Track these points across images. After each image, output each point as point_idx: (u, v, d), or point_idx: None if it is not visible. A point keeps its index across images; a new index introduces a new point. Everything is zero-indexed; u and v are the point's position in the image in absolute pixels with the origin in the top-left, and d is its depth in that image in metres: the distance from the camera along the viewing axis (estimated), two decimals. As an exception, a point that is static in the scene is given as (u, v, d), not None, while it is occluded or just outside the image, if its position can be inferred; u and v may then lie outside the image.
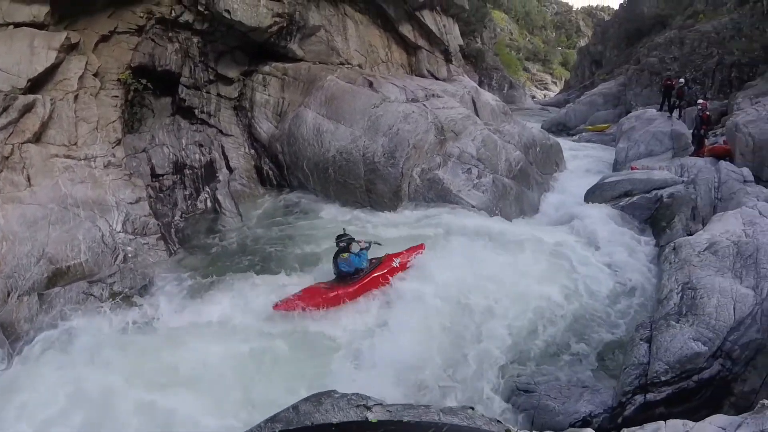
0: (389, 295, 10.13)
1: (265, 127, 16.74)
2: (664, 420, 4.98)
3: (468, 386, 8.02)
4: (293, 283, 10.45)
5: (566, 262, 11.91)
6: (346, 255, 10.04)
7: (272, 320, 9.36)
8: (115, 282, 10.28)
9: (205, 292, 10.39)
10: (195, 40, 15.80)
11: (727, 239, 8.26)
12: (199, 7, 15.09)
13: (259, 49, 17.01)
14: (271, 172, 16.80)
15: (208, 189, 15.07)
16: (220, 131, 16.51)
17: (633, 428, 4.75)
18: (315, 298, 9.60)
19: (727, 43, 33.63)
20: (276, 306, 9.39)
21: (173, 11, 15.33)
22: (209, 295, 10.21)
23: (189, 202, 14.55)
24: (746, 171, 15.89)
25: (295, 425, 5.00)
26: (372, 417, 5.20)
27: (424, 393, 7.77)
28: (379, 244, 11.23)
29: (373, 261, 10.61)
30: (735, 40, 33.28)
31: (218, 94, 16.64)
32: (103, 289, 10.02)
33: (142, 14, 15.03)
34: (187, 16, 15.37)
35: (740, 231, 8.53)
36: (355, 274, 10.12)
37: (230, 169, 15.98)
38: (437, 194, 14.55)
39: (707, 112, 19.78)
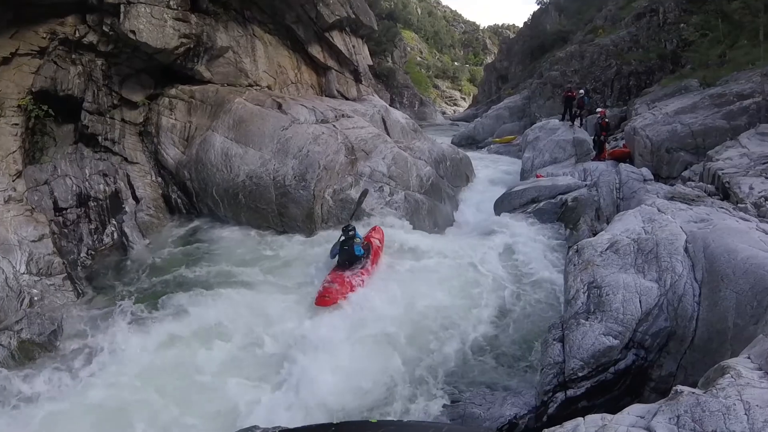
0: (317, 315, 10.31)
1: (171, 153, 16.18)
2: (588, 413, 5.26)
3: (397, 401, 8.20)
4: (207, 317, 10.25)
5: (480, 271, 12.43)
6: (358, 240, 11.53)
7: (194, 352, 9.24)
8: (22, 329, 9.62)
9: (114, 335, 9.91)
10: (99, 62, 15.11)
11: (627, 237, 8.64)
12: (104, 28, 14.55)
13: (165, 71, 16.56)
14: (179, 201, 16.28)
15: (114, 222, 14.48)
16: (125, 159, 15.80)
17: (553, 428, 4.87)
18: (345, 284, 10.74)
19: (625, 54, 35.97)
20: (319, 302, 10.21)
21: (77, 31, 14.57)
22: (119, 337, 9.81)
23: (95, 236, 13.93)
24: (645, 171, 17.26)
25: None
26: None
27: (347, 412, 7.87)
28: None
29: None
30: (632, 51, 35.72)
31: (123, 120, 15.95)
32: (10, 338, 9.39)
33: (45, 35, 14.13)
34: (92, 37, 14.69)
35: (639, 228, 8.93)
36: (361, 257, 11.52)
37: (137, 199, 15.32)
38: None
39: (606, 119, 21.11)
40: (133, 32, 14.40)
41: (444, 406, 7.88)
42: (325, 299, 10.29)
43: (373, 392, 8.34)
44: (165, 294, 11.32)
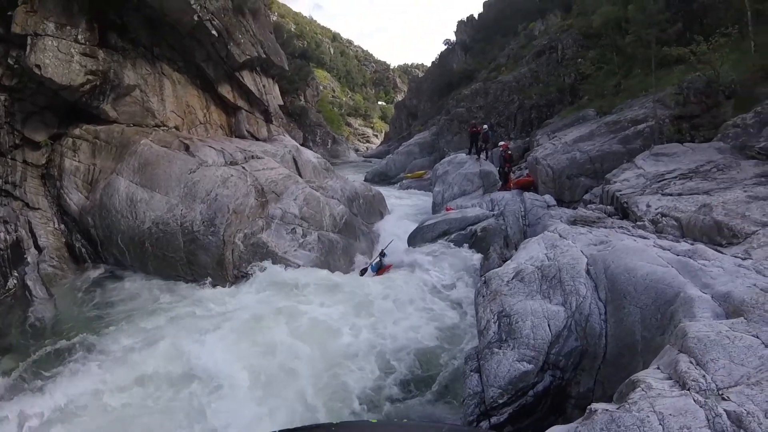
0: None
1: (75, 198, 15.36)
2: None
3: None
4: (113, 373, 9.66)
5: (398, 306, 12.41)
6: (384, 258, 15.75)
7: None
8: None
9: (21, 402, 9.22)
10: (1, 98, 14.30)
11: (531, 265, 8.82)
12: (9, 60, 13.95)
13: (70, 109, 15.89)
14: (84, 249, 15.38)
15: (16, 273, 13.43)
16: (27, 204, 14.89)
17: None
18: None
19: (527, 89, 38.06)
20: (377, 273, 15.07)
21: None
22: (29, 401, 9.14)
23: None
24: (548, 197, 18.10)
25: None
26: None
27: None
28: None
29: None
30: (533, 86, 37.82)
31: (24, 161, 15.09)
32: None
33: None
34: None
35: (543, 255, 9.15)
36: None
37: (39, 249, 14.35)
38: (263, 259, 14.13)
39: (509, 151, 21.94)
40: (39, 66, 13.86)
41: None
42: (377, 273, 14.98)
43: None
44: (68, 357, 10.68)
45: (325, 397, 8.93)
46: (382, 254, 16.08)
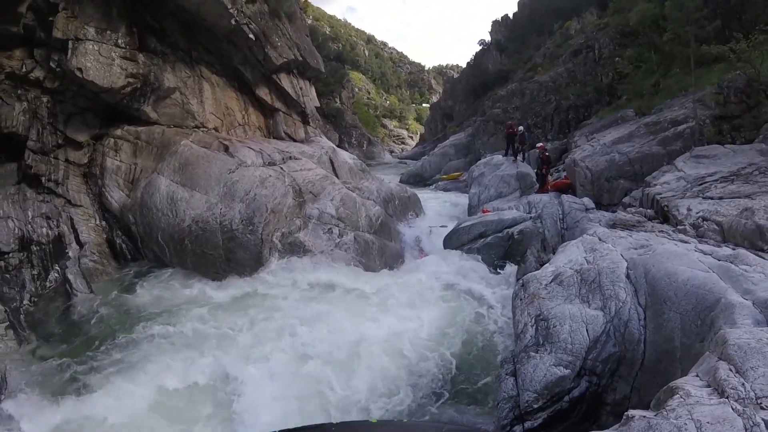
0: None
1: (116, 196, 15.70)
2: None
3: None
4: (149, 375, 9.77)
5: (432, 308, 12.47)
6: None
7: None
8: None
9: (62, 387, 9.51)
10: (44, 99, 14.66)
11: (570, 269, 8.82)
12: (51, 64, 14.28)
13: (111, 111, 16.20)
14: (124, 246, 15.72)
15: (57, 267, 13.80)
16: (69, 201, 15.23)
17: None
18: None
19: (563, 89, 37.47)
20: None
21: (24, 66, 14.19)
22: (70, 390, 9.39)
23: (38, 282, 13.21)
24: (587, 200, 17.85)
25: None
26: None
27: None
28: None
29: None
30: (570, 86, 37.23)
31: (67, 160, 15.43)
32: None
33: (-9, 67, 13.71)
34: (38, 73, 14.33)
35: (582, 259, 9.16)
36: None
37: (80, 244, 14.70)
38: (300, 257, 14.38)
39: (546, 153, 21.76)
40: (80, 70, 14.17)
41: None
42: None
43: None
44: (108, 349, 10.92)
45: (349, 398, 9.02)
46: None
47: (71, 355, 10.78)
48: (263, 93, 20.73)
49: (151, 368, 9.87)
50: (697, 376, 5.03)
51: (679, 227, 11.23)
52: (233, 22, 17.43)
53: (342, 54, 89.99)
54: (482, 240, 16.37)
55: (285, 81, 21.26)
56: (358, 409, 8.59)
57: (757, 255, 8.03)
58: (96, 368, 10.19)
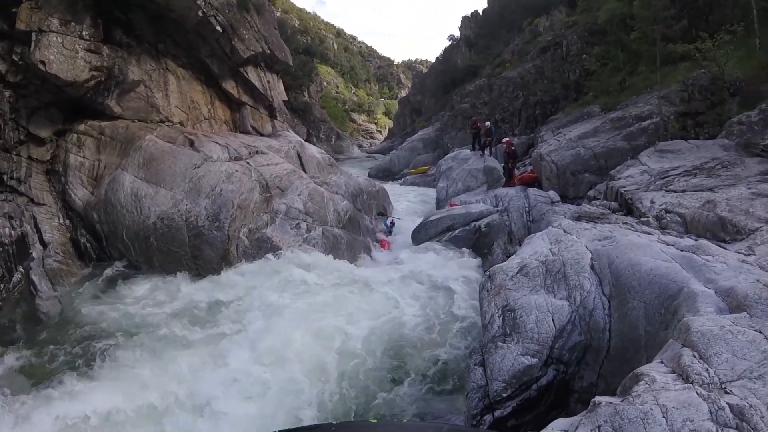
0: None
1: (80, 194, 15.33)
2: (518, 431, 5.36)
3: None
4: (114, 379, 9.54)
5: (400, 301, 12.44)
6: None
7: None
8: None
9: (25, 401, 9.13)
10: (6, 94, 14.21)
11: (536, 260, 8.90)
12: (14, 56, 13.90)
13: (74, 105, 15.84)
14: (89, 245, 15.37)
15: (21, 269, 13.41)
16: (32, 200, 14.84)
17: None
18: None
19: (531, 85, 37.87)
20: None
21: None
22: (32, 401, 9.06)
23: (1, 285, 12.84)
24: (553, 193, 18.18)
25: None
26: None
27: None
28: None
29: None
30: (538, 82, 37.64)
31: (29, 157, 15.03)
32: None
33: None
34: (0, 66, 13.94)
35: (547, 251, 9.25)
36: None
37: (44, 244, 14.30)
38: (267, 253, 14.17)
39: (513, 148, 21.93)
40: (43, 63, 13.83)
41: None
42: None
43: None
44: (70, 355, 10.72)
45: (320, 391, 8.98)
46: (392, 223, 17.33)
47: (35, 364, 10.51)
48: (230, 86, 20.49)
49: (109, 375, 9.68)
50: (661, 362, 5.10)
51: (642, 219, 11.41)
52: (200, 14, 17.18)
53: (311, 47, 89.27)
54: (450, 233, 16.50)
55: (252, 74, 21.04)
56: (328, 411, 8.56)
57: (719, 246, 8.22)
58: (58, 375, 9.92)
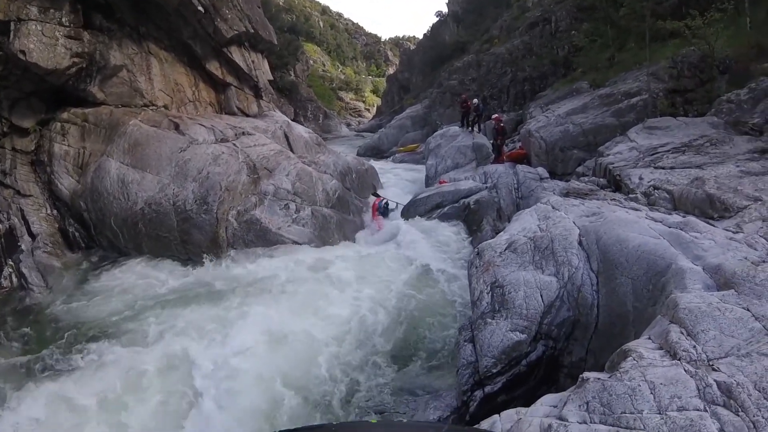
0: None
1: (66, 183, 15.17)
2: (508, 406, 5.38)
3: (322, 412, 8.13)
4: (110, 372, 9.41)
5: (393, 277, 12.54)
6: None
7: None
8: None
9: (20, 393, 9.10)
10: None
11: (524, 237, 8.87)
12: None
13: (57, 93, 15.63)
14: (77, 234, 15.26)
15: (11, 262, 13.40)
16: (18, 192, 14.71)
17: (471, 428, 4.82)
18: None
19: (520, 61, 37.75)
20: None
21: None
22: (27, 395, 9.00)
23: None
24: (541, 170, 18.25)
25: None
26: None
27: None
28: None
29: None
30: (526, 58, 37.53)
31: (13, 148, 14.90)
32: None
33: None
34: None
35: (535, 227, 9.23)
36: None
37: (33, 236, 14.22)
38: (257, 235, 14.16)
39: (502, 124, 21.87)
40: (23, 52, 13.61)
41: (367, 416, 7.86)
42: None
43: (295, 409, 8.20)
44: (74, 349, 10.49)
45: (316, 373, 9.01)
46: (386, 205, 17.78)
47: (28, 356, 10.43)
48: (214, 67, 20.19)
49: (100, 364, 9.62)
50: (649, 338, 5.13)
51: (630, 196, 11.42)
52: (182, -7, 16.82)
53: (296, 25, 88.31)
54: (439, 210, 16.58)
55: (236, 54, 20.73)
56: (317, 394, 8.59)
57: (707, 223, 8.23)
58: (48, 365, 9.91)
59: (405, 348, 9.84)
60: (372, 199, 18.97)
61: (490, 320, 7.35)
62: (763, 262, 5.97)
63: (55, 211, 15.26)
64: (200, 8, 17.64)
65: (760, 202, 8.60)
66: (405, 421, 5.46)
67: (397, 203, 17.81)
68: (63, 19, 14.62)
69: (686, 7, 21.86)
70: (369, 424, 5.14)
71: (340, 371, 9.10)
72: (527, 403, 5.17)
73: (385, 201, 17.87)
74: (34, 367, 9.95)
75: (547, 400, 4.89)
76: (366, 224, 17.54)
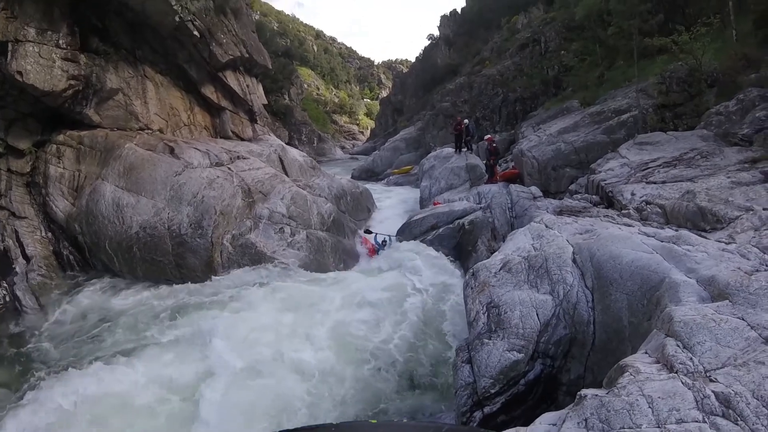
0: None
1: (61, 206, 15.17)
2: (507, 426, 5.40)
3: None
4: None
5: (388, 302, 12.35)
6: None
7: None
8: None
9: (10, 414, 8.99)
10: None
11: (518, 256, 8.90)
12: None
13: (53, 115, 15.71)
14: (72, 257, 15.19)
15: (5, 284, 13.33)
16: (13, 213, 14.71)
17: (471, 428, 4.78)
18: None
19: (511, 82, 38.17)
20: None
21: None
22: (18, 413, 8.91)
23: None
24: (534, 189, 18.19)
25: None
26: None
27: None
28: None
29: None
30: (517, 79, 37.98)
31: (9, 170, 14.92)
32: None
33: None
34: None
35: (529, 246, 9.28)
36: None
37: (27, 258, 14.17)
38: (252, 259, 14.09)
39: (494, 144, 21.95)
40: (20, 73, 13.72)
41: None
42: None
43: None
44: (58, 367, 10.49)
45: (316, 397, 8.92)
46: (384, 243, 17.34)
47: (21, 381, 10.30)
48: (209, 91, 20.34)
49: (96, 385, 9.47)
50: (646, 353, 5.13)
51: (623, 211, 11.47)
52: (177, 19, 17.07)
53: (290, 50, 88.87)
54: (434, 232, 16.48)
55: (231, 79, 20.91)
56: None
57: (699, 235, 8.27)
58: (47, 391, 9.62)
59: (403, 371, 9.75)
60: (363, 235, 18.81)
61: (486, 340, 7.32)
62: (757, 271, 6.00)
63: (49, 234, 15.20)
64: (196, 33, 17.84)
65: (751, 212, 8.65)
66: (405, 421, 5.43)
67: (390, 237, 17.62)
68: (60, 41, 14.77)
69: (673, 23, 22.28)
70: (369, 424, 5.13)
71: (334, 397, 9.00)
72: (527, 423, 5.13)
73: (381, 238, 17.68)
74: (23, 386, 9.85)
75: (546, 418, 4.87)
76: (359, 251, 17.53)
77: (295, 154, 22.39)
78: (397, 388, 9.26)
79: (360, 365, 9.87)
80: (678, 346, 4.82)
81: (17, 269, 13.79)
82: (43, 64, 14.17)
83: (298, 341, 10.49)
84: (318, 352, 10.12)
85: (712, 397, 4.07)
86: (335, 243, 16.14)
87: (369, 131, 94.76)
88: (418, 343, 10.64)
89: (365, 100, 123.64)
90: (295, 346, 10.25)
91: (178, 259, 14.06)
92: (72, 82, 14.93)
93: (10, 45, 13.72)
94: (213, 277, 13.80)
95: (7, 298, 13.16)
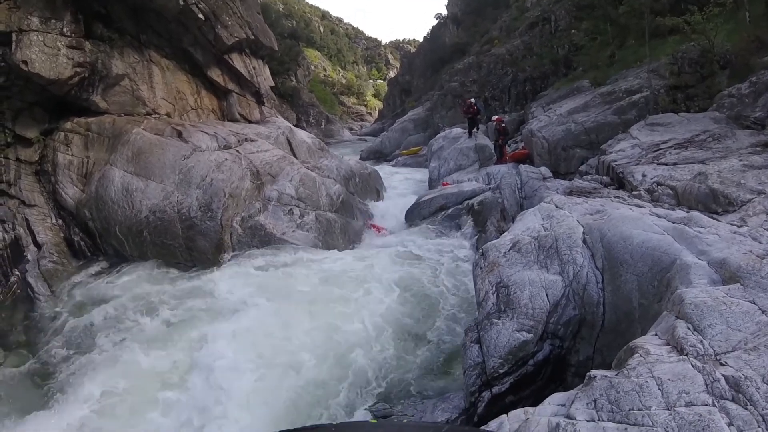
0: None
1: (70, 192, 15.21)
2: (516, 407, 5.35)
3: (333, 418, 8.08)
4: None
5: (398, 281, 12.48)
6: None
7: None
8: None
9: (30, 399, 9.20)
10: None
11: (528, 236, 8.85)
12: None
13: (59, 103, 15.69)
14: (82, 243, 15.25)
15: (17, 272, 13.47)
16: (23, 202, 14.77)
17: (471, 428, 4.80)
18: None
19: (520, 62, 37.66)
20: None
21: None
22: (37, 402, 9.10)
23: None
24: (544, 169, 18.14)
25: None
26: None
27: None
28: None
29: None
30: (527, 58, 37.45)
31: (17, 159, 14.95)
32: None
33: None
34: None
35: (539, 226, 9.22)
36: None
37: (38, 246, 14.27)
38: (261, 241, 14.21)
39: (503, 125, 21.86)
40: (25, 63, 13.71)
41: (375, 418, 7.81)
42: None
43: (303, 413, 8.20)
44: (71, 354, 10.67)
45: (325, 375, 9.02)
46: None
47: (37, 365, 10.52)
48: (215, 74, 20.24)
49: (108, 371, 9.62)
50: (656, 335, 5.11)
51: (634, 193, 11.39)
52: (182, 2, 16.91)
53: (296, 31, 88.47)
54: (443, 212, 16.54)
55: (237, 61, 20.78)
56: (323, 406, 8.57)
57: (711, 217, 8.21)
58: (59, 375, 9.96)
59: (411, 350, 9.83)
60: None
61: (496, 320, 7.32)
62: (768, 254, 5.95)
63: (60, 221, 15.27)
64: (200, 16, 17.71)
65: (763, 195, 8.57)
66: (405, 421, 5.47)
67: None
68: (64, 29, 14.72)
69: (685, 3, 21.87)
70: (369, 424, 5.15)
71: (344, 374, 9.09)
72: (535, 403, 5.14)
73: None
74: (39, 373, 10.08)
75: (555, 399, 4.87)
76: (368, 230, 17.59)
77: (303, 135, 22.34)
78: (404, 368, 9.34)
79: (366, 344, 9.93)
80: (688, 328, 4.80)
81: (29, 257, 13.90)
82: (48, 52, 14.15)
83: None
84: (322, 332, 10.18)
85: (722, 380, 4.05)
86: (344, 224, 16.21)
87: (377, 112, 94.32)
88: (427, 321, 10.76)
89: (372, 80, 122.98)
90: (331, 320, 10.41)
91: (188, 242, 14.15)
92: (78, 69, 14.91)
93: (14, 35, 13.70)
94: (223, 256, 13.90)
95: (20, 286, 13.30)
